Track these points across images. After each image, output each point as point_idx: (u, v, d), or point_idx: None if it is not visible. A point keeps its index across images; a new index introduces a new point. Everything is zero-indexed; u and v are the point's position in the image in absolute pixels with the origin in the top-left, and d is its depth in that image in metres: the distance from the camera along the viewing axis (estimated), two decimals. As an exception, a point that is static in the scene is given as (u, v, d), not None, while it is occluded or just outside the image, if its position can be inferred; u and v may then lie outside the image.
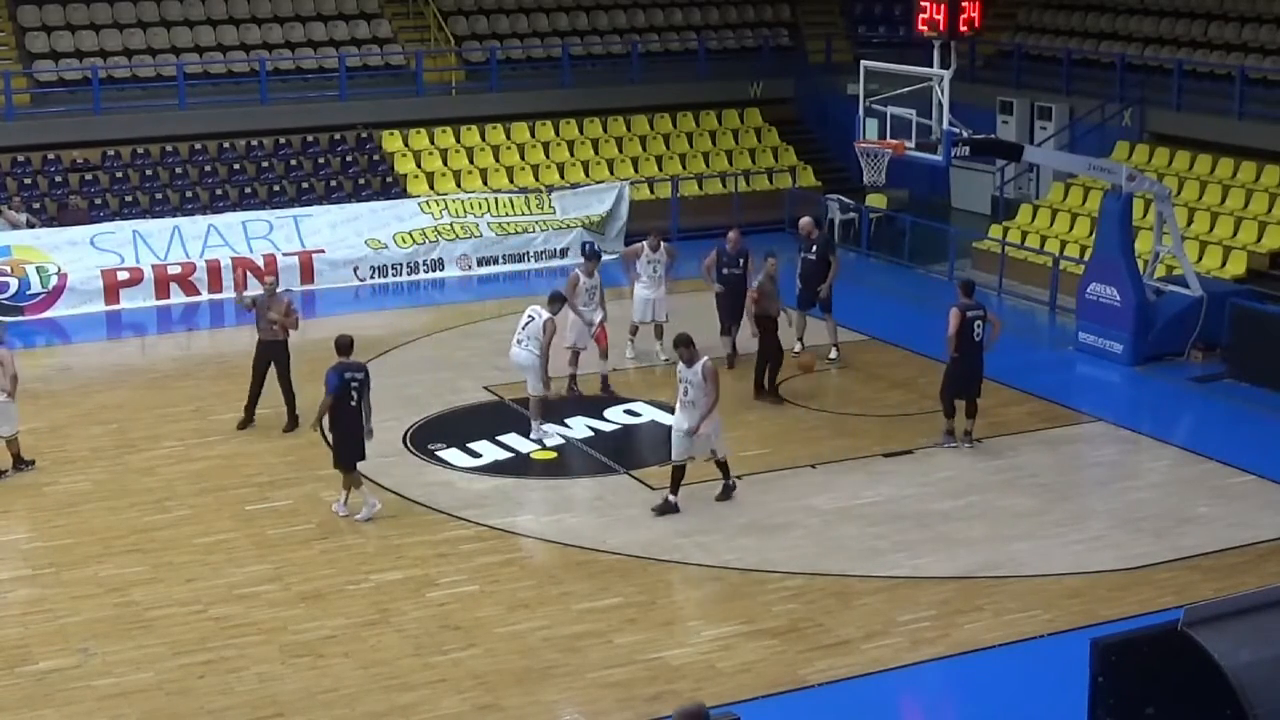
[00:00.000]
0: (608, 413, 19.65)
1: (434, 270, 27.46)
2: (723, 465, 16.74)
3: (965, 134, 21.60)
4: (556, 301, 18.73)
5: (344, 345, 16.40)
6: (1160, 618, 12.13)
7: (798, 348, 21.82)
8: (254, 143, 29.66)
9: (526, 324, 18.51)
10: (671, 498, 16.42)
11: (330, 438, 16.56)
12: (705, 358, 16.28)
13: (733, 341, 21.42)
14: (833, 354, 21.94)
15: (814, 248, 22.03)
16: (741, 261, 21.44)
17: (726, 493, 16.78)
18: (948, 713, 13.29)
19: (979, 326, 18.26)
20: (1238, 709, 9.21)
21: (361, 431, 16.27)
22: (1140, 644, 9.98)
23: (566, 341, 19.97)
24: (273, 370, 18.98)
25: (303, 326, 19.40)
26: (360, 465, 16.34)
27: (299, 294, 26.05)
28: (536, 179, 30.44)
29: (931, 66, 21.39)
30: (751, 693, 12.72)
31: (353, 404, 16.16)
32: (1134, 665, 9.85)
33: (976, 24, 21.40)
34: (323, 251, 26.72)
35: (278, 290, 19.48)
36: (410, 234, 27.43)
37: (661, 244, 21.99)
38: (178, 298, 25.13)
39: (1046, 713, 12.50)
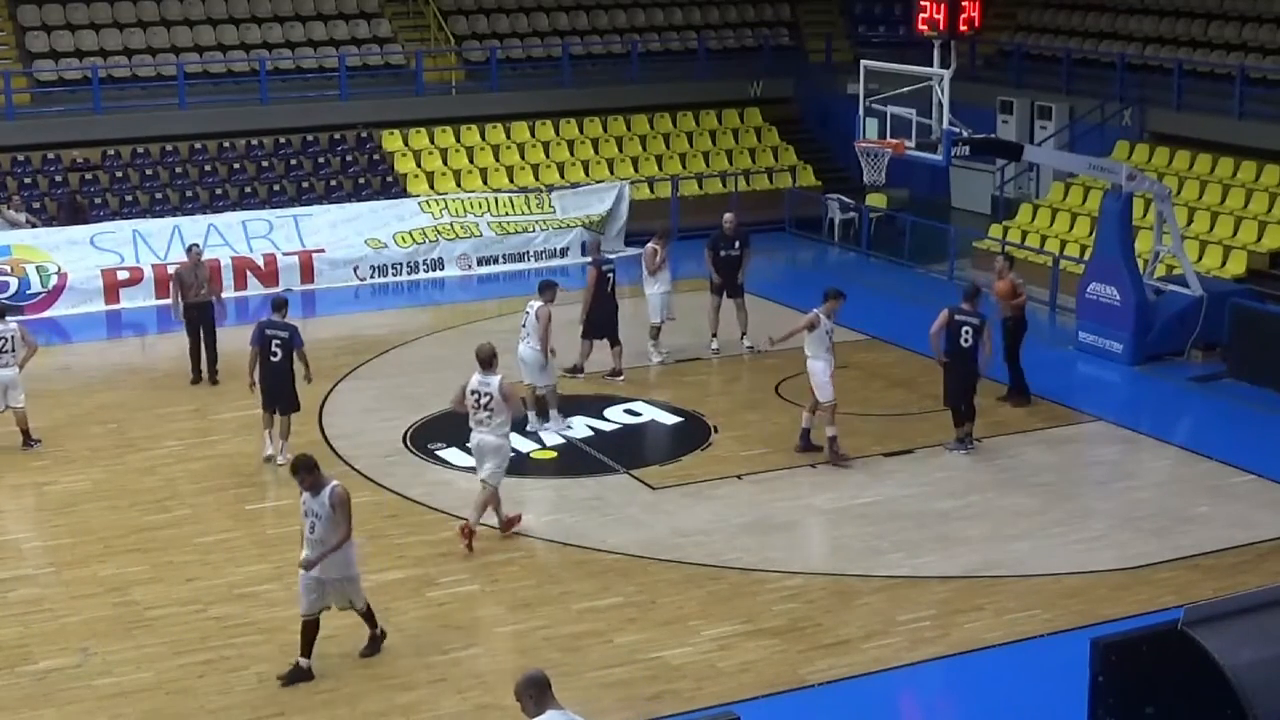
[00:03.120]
0: (608, 412, 19.64)
1: (434, 270, 27.47)
2: (366, 615, 13.34)
3: (965, 133, 21.61)
4: (547, 290, 18.70)
5: (276, 304, 18.01)
6: (1160, 617, 12.16)
7: (748, 341, 22.16)
8: (254, 142, 29.66)
9: (526, 320, 18.62)
10: (303, 662, 12.95)
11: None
12: (334, 482, 13.00)
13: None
14: (745, 341, 22.28)
15: (736, 243, 22.26)
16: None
17: (374, 645, 13.37)
18: (948, 712, 13.28)
19: (967, 333, 18.06)
20: (1238, 709, 9.22)
21: (282, 383, 17.50)
22: (1140, 643, 10.00)
23: (821, 396, 17.91)
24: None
25: (303, 326, 19.42)
26: (361, 464, 16.28)
27: (298, 293, 26.14)
28: (536, 178, 30.43)
29: (931, 66, 21.40)
30: (751, 692, 12.72)
31: (273, 359, 17.42)
32: (1134, 665, 9.86)
33: (976, 23, 21.42)
34: (323, 251, 26.74)
35: (202, 258, 21.37)
36: (410, 233, 27.44)
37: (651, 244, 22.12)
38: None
39: (1046, 712, 12.49)
